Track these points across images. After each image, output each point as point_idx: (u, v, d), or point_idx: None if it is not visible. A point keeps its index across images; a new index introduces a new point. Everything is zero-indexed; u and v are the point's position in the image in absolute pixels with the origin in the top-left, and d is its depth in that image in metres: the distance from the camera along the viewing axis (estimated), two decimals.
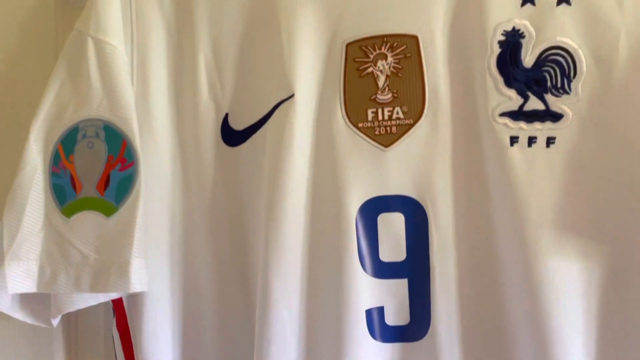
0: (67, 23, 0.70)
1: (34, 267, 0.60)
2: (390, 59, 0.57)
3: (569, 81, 0.55)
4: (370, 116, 0.58)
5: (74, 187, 0.61)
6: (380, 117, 0.57)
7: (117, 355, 0.64)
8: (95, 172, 0.61)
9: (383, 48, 0.57)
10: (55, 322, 0.62)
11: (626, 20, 0.54)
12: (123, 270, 0.58)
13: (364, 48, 0.58)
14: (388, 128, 0.57)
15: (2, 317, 0.64)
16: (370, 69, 0.58)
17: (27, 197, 0.60)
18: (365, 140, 0.58)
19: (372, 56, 0.58)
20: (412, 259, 0.58)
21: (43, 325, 0.64)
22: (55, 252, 0.60)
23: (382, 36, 0.57)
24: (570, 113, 0.55)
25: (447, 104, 0.57)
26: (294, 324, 0.58)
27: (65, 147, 0.61)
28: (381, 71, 0.58)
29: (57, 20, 0.71)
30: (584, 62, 0.55)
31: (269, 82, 0.59)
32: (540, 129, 0.55)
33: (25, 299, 0.62)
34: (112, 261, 0.58)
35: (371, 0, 0.58)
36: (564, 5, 0.55)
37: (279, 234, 0.57)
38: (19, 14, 0.71)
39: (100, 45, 0.60)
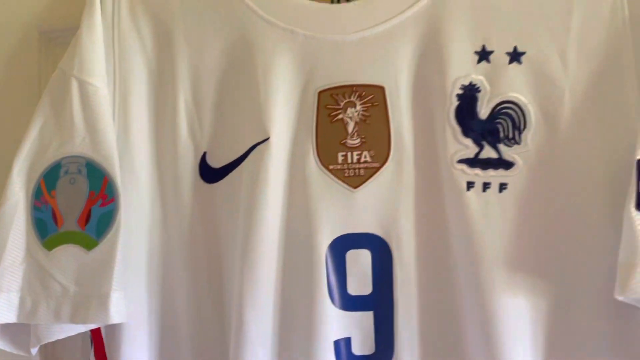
0: (50, 58, 0.73)
1: (15, 298, 0.61)
2: (359, 106, 0.61)
3: (520, 132, 0.59)
4: (340, 159, 0.61)
5: (55, 221, 0.63)
6: (349, 160, 0.61)
7: None
8: (76, 207, 0.63)
9: (352, 97, 0.61)
10: (34, 351, 0.63)
11: (570, 80, 0.58)
12: (103, 302, 0.59)
13: (334, 96, 0.61)
14: (356, 170, 0.61)
15: None
16: (340, 116, 0.61)
17: (9, 230, 0.62)
18: (335, 181, 0.61)
19: (342, 104, 0.61)
20: (378, 293, 0.60)
21: (22, 354, 0.65)
22: (36, 284, 0.61)
23: (352, 86, 0.61)
24: (521, 161, 0.59)
25: (410, 150, 0.61)
26: (267, 354, 0.60)
27: (47, 182, 0.63)
28: (350, 118, 0.61)
29: (40, 56, 0.73)
30: (532, 115, 0.59)
31: (246, 125, 0.62)
32: (494, 176, 0.59)
33: (5, 329, 0.63)
34: (92, 293, 0.60)
35: (342, 52, 0.61)
36: (515, 63, 0.59)
37: (254, 269, 0.60)
38: (3, 49, 0.74)
39: (83, 86, 0.63)
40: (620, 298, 0.53)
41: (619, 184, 0.55)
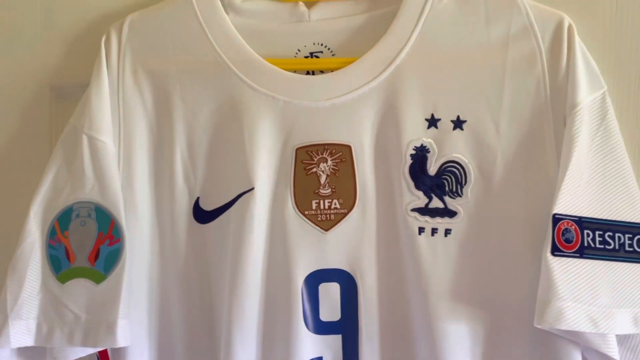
0: (60, 112, 0.76)
1: (32, 325, 0.67)
2: (330, 162, 0.67)
3: (462, 187, 0.66)
4: (314, 206, 0.67)
5: (68, 258, 0.69)
6: (322, 207, 0.67)
7: None
8: (87, 245, 0.69)
9: (324, 153, 0.67)
10: None
11: (502, 144, 0.65)
12: (110, 328, 0.66)
13: (309, 152, 0.67)
14: (328, 215, 0.67)
15: None
16: (314, 169, 0.68)
17: (27, 265, 0.68)
18: (309, 224, 0.67)
19: (316, 159, 0.68)
20: (345, 319, 0.67)
21: None
22: (51, 312, 0.67)
23: (324, 144, 0.67)
24: (462, 211, 0.66)
25: (373, 199, 0.67)
26: None
27: (61, 223, 0.69)
28: (322, 171, 0.67)
29: (51, 110, 0.77)
30: (472, 173, 0.65)
31: (234, 175, 0.68)
32: (441, 223, 0.66)
33: (21, 352, 0.69)
34: (101, 321, 0.66)
35: (316, 115, 0.67)
36: (458, 130, 0.66)
37: (240, 298, 0.66)
38: (17, 103, 0.77)
39: (93, 142, 0.68)
40: (538, 326, 0.61)
41: (540, 231, 0.63)
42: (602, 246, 0.62)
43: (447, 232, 0.66)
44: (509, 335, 0.66)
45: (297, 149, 0.68)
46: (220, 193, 0.70)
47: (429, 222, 0.66)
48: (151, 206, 0.71)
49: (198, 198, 0.70)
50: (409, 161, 0.67)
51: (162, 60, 0.70)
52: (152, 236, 0.71)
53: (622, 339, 0.65)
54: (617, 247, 0.63)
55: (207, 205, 0.70)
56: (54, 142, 0.75)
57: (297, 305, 0.67)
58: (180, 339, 0.71)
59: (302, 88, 0.68)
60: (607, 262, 0.63)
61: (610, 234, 0.63)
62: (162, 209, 0.71)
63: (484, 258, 0.66)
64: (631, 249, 0.64)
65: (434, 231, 0.66)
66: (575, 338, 0.63)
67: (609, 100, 0.66)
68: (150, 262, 0.71)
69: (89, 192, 0.69)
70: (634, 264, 0.63)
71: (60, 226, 0.70)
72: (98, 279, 0.68)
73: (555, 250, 0.61)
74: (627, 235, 0.64)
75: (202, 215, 0.71)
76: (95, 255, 0.69)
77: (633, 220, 0.64)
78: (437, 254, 0.66)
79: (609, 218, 0.64)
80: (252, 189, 0.67)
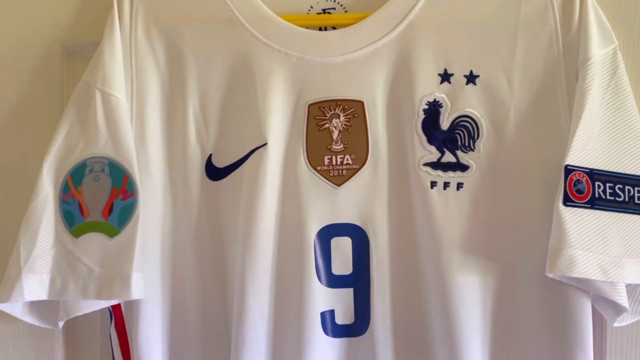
0: (71, 70, 0.76)
1: (46, 279, 0.68)
2: (342, 118, 0.68)
3: (474, 141, 0.67)
4: (326, 161, 0.68)
5: (82, 212, 0.69)
6: (334, 163, 0.68)
7: (114, 352, 0.72)
8: (100, 200, 0.69)
9: (337, 109, 0.68)
10: (61, 324, 0.70)
11: (514, 99, 0.66)
12: (125, 281, 0.66)
13: (322, 108, 0.68)
14: (340, 171, 0.68)
15: (8, 320, 0.71)
16: (326, 125, 0.68)
17: (41, 220, 0.68)
18: (322, 180, 0.68)
19: (328, 115, 0.68)
20: (357, 273, 0.68)
21: (49, 327, 0.72)
22: (65, 266, 0.68)
23: (336, 100, 0.68)
24: (475, 165, 0.67)
25: (385, 154, 0.68)
26: (264, 325, 0.68)
27: (74, 179, 0.69)
28: (335, 127, 0.68)
29: (62, 68, 0.77)
30: (484, 127, 0.66)
31: (247, 132, 0.68)
32: (453, 177, 0.66)
33: (33, 306, 0.70)
34: (115, 274, 0.67)
35: (328, 71, 0.68)
36: (471, 85, 0.67)
37: (254, 252, 0.67)
38: (29, 61, 0.77)
39: (106, 97, 0.68)
40: (549, 275, 0.62)
41: (552, 183, 0.64)
42: (612, 198, 0.63)
43: (459, 185, 0.67)
44: (520, 287, 0.67)
45: (309, 105, 0.69)
46: (232, 149, 0.70)
47: (441, 176, 0.67)
48: (163, 163, 0.71)
49: (210, 155, 0.71)
50: (422, 116, 0.67)
51: (175, 17, 0.71)
52: (164, 193, 0.71)
53: (630, 291, 0.66)
54: (626, 199, 0.64)
55: (220, 162, 0.71)
56: (66, 100, 0.76)
57: (310, 259, 0.68)
58: (193, 294, 0.71)
59: (315, 44, 0.69)
60: (617, 213, 0.64)
61: (620, 186, 0.64)
62: (174, 166, 0.71)
63: (496, 211, 0.67)
64: None
65: (446, 185, 0.67)
66: (585, 286, 0.64)
67: (620, 55, 0.67)
68: (162, 219, 0.71)
69: (102, 147, 0.69)
70: None
71: (73, 181, 0.70)
72: (112, 233, 0.69)
73: (567, 201, 0.62)
74: (636, 188, 0.64)
75: (214, 172, 0.71)
76: (109, 209, 0.69)
77: None
78: (449, 208, 0.67)
79: (619, 171, 0.64)
80: (265, 144, 0.68)
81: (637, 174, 0.65)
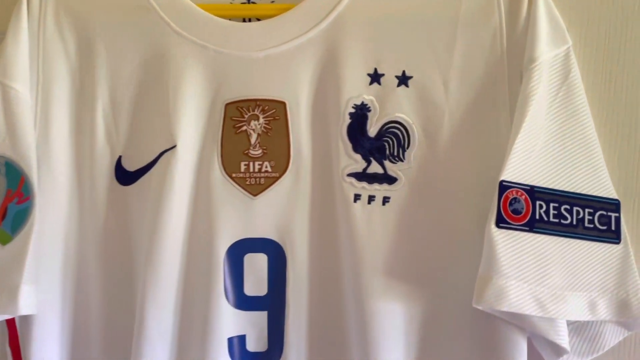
0: None
1: None
2: (261, 120, 0.63)
3: (404, 151, 0.61)
4: (242, 168, 0.63)
5: None
6: (251, 170, 0.63)
7: None
8: None
9: (256, 110, 0.63)
10: None
11: (450, 103, 0.60)
12: (12, 294, 0.61)
13: (240, 109, 0.63)
14: (257, 179, 0.63)
15: None
16: (244, 127, 0.63)
17: None
18: (237, 188, 0.63)
19: (246, 116, 0.63)
20: (272, 294, 0.63)
21: None
22: None
23: (256, 100, 0.63)
24: (403, 177, 0.61)
25: (308, 162, 0.62)
26: (165, 347, 0.62)
27: None
28: (253, 130, 0.63)
29: None
30: (416, 135, 0.61)
31: (156, 132, 0.64)
32: (379, 190, 0.61)
33: None
34: (3, 286, 0.61)
35: (249, 68, 0.62)
36: (402, 87, 0.61)
37: (156, 269, 0.62)
38: None
39: (5, 90, 0.63)
40: (478, 307, 0.55)
41: (489, 200, 0.57)
42: (556, 220, 0.56)
43: (385, 200, 0.62)
44: (448, 317, 0.61)
45: (226, 105, 0.64)
46: (142, 151, 0.65)
47: (366, 188, 0.62)
48: (69, 164, 0.66)
49: (120, 157, 0.66)
50: (348, 120, 0.62)
51: (88, 4, 0.66)
52: (70, 197, 0.66)
53: (578, 328, 0.59)
54: (574, 223, 0.56)
55: (130, 165, 0.66)
56: None
57: (218, 278, 0.62)
58: (97, 309, 0.66)
59: (235, 36, 0.64)
60: (561, 238, 0.57)
61: (568, 207, 0.56)
62: (81, 168, 0.66)
63: (425, 230, 0.61)
64: (591, 225, 0.57)
65: (370, 199, 0.62)
66: (520, 322, 0.57)
67: (573, 57, 0.60)
68: (66, 227, 0.66)
69: None
70: (593, 243, 0.57)
71: None
72: (4, 240, 0.63)
73: (500, 222, 0.55)
74: (587, 210, 0.57)
75: (124, 175, 0.66)
76: (3, 214, 0.64)
77: (595, 194, 0.58)
78: (373, 225, 0.61)
79: (567, 189, 0.57)
80: (174, 146, 0.63)
81: (588, 193, 0.57)
